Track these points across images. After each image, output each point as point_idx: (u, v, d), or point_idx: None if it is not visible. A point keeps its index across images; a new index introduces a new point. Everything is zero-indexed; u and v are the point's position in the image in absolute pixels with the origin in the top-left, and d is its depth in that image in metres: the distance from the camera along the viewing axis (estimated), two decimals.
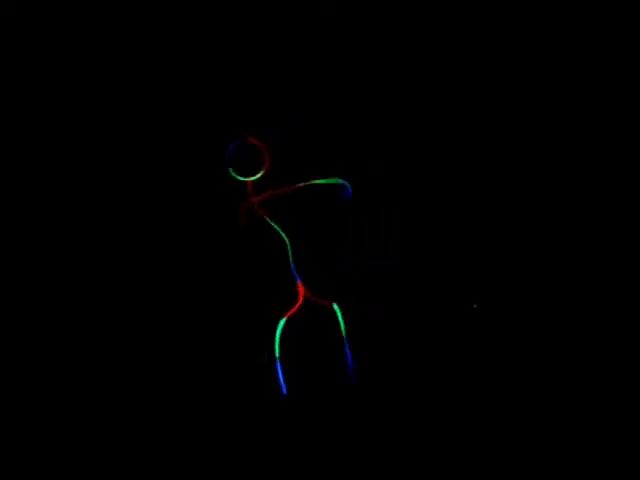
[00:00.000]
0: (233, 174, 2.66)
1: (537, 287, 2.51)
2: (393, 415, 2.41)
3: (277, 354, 2.51)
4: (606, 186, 2.56)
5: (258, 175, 2.67)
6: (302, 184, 2.63)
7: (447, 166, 2.61)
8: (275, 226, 2.61)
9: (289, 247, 2.59)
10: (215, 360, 2.47)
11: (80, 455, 2.33)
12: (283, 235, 2.60)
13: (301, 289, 2.56)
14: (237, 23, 2.70)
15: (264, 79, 2.68)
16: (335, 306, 2.54)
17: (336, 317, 2.52)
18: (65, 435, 2.35)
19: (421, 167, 2.61)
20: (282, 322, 2.52)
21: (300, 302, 2.54)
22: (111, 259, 2.52)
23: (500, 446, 2.36)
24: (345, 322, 2.51)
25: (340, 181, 2.63)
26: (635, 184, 2.55)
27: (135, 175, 2.59)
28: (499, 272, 2.53)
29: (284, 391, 2.49)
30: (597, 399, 2.40)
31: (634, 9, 2.58)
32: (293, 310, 2.53)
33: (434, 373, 2.46)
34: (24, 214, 2.53)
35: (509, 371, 2.44)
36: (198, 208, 2.61)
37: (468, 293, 2.52)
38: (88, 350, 2.43)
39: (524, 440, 2.37)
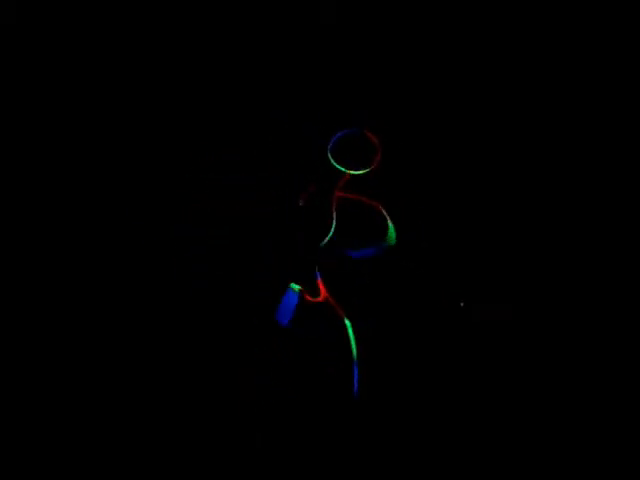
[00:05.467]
0: (332, 160, 2.56)
1: (534, 287, 2.51)
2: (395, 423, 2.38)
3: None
4: (606, 186, 2.57)
5: (362, 171, 2.55)
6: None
7: (445, 168, 2.61)
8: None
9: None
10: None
11: (73, 454, 2.32)
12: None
13: (322, 287, 2.47)
14: (239, 31, 2.72)
15: (265, 83, 2.69)
16: (347, 322, 2.44)
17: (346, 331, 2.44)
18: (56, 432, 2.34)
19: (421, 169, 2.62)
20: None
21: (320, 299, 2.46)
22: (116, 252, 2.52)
23: (499, 447, 2.35)
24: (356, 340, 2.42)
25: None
26: (635, 184, 2.56)
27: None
28: (496, 271, 2.53)
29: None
30: (595, 399, 2.39)
31: (634, 9, 2.60)
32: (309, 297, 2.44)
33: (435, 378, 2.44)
34: (24, 213, 2.53)
35: (507, 372, 2.43)
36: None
37: (461, 292, 2.50)
38: (82, 347, 2.42)
39: (522, 441, 2.36)
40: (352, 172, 2.56)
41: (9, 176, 2.57)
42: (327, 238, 2.49)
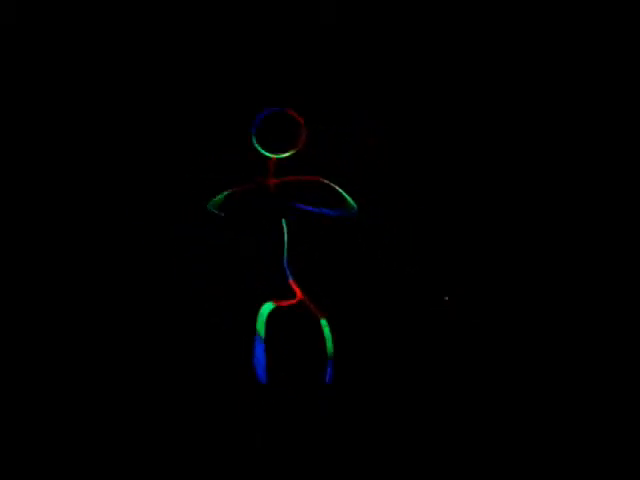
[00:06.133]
0: (257, 145, 2.47)
1: (530, 286, 2.52)
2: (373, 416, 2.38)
3: (261, 334, 2.36)
4: (606, 186, 2.57)
5: (286, 154, 2.47)
6: (323, 181, 2.46)
7: (445, 167, 2.62)
8: (283, 223, 2.45)
9: (285, 244, 2.44)
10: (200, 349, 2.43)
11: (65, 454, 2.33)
12: (285, 231, 2.44)
13: (296, 289, 2.44)
14: (239, 31, 2.72)
15: (264, 84, 2.69)
16: (323, 322, 2.42)
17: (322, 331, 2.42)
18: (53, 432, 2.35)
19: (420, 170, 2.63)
20: (268, 307, 2.38)
21: (294, 301, 2.43)
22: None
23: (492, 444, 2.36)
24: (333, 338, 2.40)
25: (353, 206, 2.48)
26: (635, 184, 2.56)
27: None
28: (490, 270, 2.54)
29: (262, 379, 2.37)
30: (593, 399, 2.40)
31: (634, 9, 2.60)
32: (283, 303, 2.43)
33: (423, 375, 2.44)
34: (24, 214, 2.54)
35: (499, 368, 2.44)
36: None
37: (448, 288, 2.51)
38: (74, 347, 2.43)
39: (520, 443, 2.36)
40: (278, 156, 2.48)
41: (9, 176, 2.57)
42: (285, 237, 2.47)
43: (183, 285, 2.49)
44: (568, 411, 2.40)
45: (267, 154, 2.48)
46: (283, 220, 2.48)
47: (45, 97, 2.65)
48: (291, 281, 2.46)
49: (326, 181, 2.49)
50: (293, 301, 2.45)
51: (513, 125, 2.63)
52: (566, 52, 2.66)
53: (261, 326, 2.39)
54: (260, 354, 2.39)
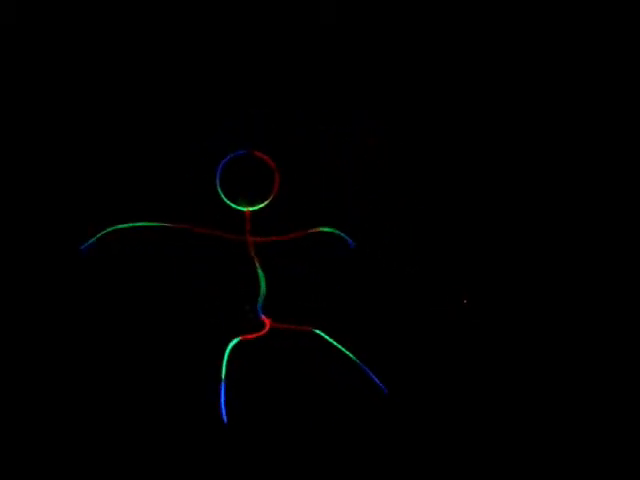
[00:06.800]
0: (225, 199, 2.29)
1: (533, 286, 2.52)
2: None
3: (223, 376, 2.26)
4: (606, 186, 2.58)
5: (261, 205, 2.26)
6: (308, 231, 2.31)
7: (445, 167, 2.63)
8: (260, 274, 2.29)
9: (262, 295, 2.33)
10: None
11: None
12: (263, 285, 2.33)
13: (267, 322, 2.38)
14: (239, 31, 2.73)
15: (263, 86, 2.69)
16: (318, 331, 2.35)
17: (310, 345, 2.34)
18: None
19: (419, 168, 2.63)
20: (234, 342, 2.29)
21: (264, 332, 2.37)
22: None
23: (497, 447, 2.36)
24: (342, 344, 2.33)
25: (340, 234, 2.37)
26: (635, 184, 2.57)
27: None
28: (495, 270, 2.54)
29: (224, 419, 2.26)
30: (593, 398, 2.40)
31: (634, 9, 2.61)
32: (252, 336, 2.36)
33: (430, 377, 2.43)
34: (23, 214, 2.54)
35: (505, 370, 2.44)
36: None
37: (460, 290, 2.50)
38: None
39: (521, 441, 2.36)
40: (251, 208, 2.29)
41: (9, 176, 2.57)
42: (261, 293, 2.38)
43: (183, 285, 2.50)
44: (573, 410, 2.40)
45: (241, 208, 2.30)
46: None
47: (45, 97, 2.65)
48: (263, 317, 2.39)
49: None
50: (262, 332, 2.39)
51: (514, 125, 2.64)
52: (566, 53, 2.66)
53: (224, 366, 2.30)
54: (222, 395, 2.29)
